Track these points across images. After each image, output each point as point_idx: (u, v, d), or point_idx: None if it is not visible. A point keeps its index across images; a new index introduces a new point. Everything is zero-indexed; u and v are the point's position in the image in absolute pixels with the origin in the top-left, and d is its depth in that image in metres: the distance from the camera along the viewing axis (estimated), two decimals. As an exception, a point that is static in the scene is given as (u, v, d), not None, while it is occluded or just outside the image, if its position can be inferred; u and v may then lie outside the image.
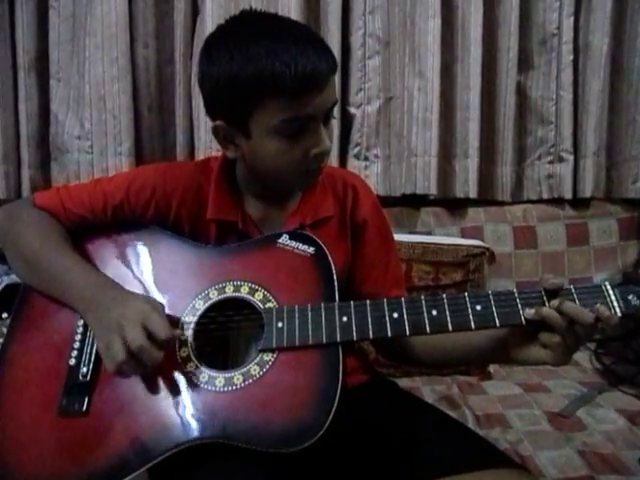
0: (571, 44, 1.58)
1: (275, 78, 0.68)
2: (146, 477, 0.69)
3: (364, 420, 0.79)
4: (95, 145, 1.49)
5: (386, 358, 1.06)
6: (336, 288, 0.75)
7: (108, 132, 1.48)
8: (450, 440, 0.76)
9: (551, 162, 1.65)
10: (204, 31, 1.43)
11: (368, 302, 0.73)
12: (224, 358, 0.77)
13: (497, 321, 0.70)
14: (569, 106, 1.60)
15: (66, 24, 1.46)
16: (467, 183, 1.59)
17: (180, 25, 1.48)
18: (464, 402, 1.23)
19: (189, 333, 0.75)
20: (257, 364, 0.71)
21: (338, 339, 0.71)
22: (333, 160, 1.51)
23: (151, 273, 0.81)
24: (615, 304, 0.68)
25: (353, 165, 1.58)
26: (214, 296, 0.77)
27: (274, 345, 0.71)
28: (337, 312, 0.72)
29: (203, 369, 0.72)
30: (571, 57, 1.58)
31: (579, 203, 1.65)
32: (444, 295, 0.72)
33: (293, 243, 0.79)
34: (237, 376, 0.70)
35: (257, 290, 0.76)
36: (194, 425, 0.68)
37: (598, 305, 0.66)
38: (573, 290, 0.70)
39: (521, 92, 1.63)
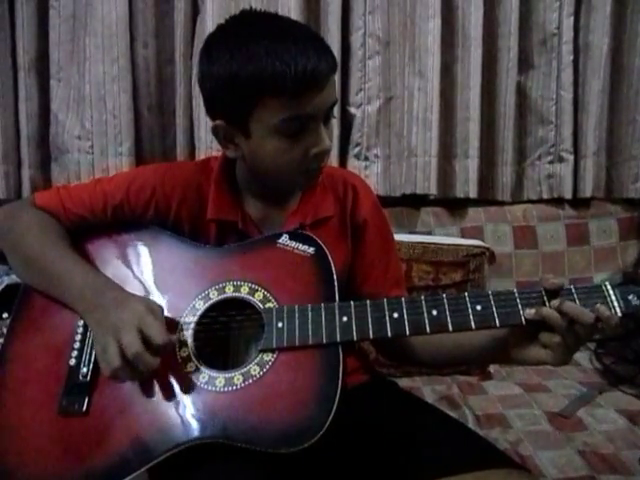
0: (571, 44, 1.58)
1: (275, 77, 0.68)
2: (146, 477, 0.69)
3: (364, 420, 0.79)
4: (95, 145, 1.49)
5: (386, 358, 1.06)
6: (336, 288, 0.75)
7: (108, 132, 1.48)
8: (450, 440, 0.76)
9: (551, 162, 1.64)
10: (204, 31, 1.43)
11: (368, 302, 0.73)
12: (224, 358, 0.77)
13: (497, 321, 0.70)
14: (569, 106, 1.60)
15: (66, 24, 1.46)
16: (467, 183, 1.59)
17: (180, 25, 1.48)
18: (464, 402, 1.23)
19: (189, 333, 0.75)
20: (257, 364, 0.71)
21: (338, 339, 0.71)
22: (333, 160, 1.51)
23: (151, 273, 0.81)
24: (615, 304, 0.68)
25: (353, 165, 1.58)
26: (214, 296, 0.77)
27: (274, 345, 0.71)
28: (337, 312, 0.72)
29: (203, 369, 0.72)
30: (571, 57, 1.58)
31: (579, 203, 1.65)
32: (444, 295, 0.72)
33: (293, 243, 0.79)
34: (237, 376, 0.70)
35: (257, 290, 0.76)
36: (194, 425, 0.68)
37: (598, 305, 0.66)
38: (573, 290, 0.70)
39: (521, 92, 1.63)
